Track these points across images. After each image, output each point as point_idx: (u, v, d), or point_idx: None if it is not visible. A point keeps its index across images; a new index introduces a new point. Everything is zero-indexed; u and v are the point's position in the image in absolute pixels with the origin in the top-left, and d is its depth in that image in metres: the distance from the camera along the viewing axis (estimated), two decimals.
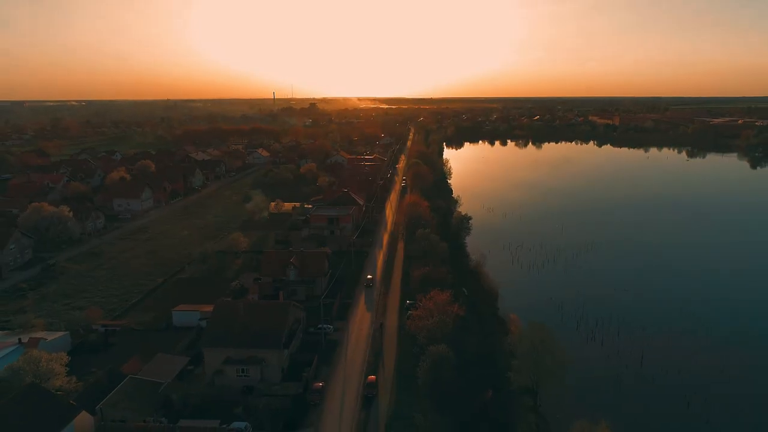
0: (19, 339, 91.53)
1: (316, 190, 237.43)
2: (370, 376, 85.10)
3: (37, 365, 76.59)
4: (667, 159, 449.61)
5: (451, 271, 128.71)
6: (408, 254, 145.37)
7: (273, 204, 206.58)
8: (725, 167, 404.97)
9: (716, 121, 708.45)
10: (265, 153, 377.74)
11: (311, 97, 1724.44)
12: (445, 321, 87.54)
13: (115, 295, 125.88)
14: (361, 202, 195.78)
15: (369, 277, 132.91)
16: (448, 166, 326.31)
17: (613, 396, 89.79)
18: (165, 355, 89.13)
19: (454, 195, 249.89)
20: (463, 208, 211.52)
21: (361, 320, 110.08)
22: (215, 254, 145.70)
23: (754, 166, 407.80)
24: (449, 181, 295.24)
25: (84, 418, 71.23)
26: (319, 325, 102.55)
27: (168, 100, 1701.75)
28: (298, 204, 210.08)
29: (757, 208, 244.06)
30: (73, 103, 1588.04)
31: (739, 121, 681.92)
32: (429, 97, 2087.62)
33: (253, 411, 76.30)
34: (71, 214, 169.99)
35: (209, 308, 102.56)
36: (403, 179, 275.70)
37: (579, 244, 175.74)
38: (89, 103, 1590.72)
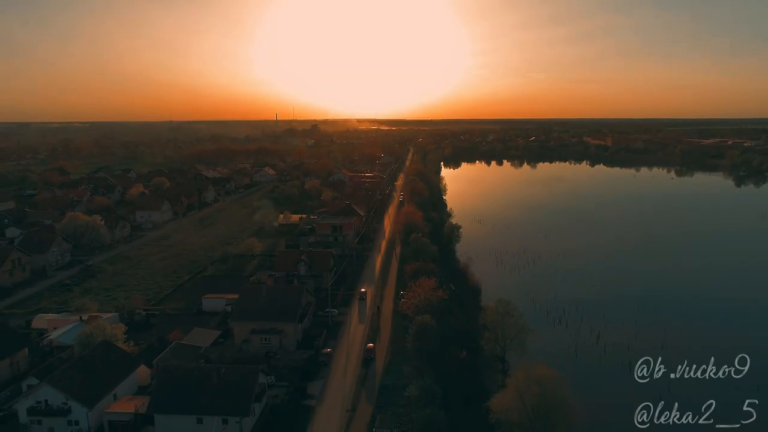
0: (80, 317, 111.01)
1: (321, 203, 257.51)
2: (368, 344, 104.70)
3: (103, 331, 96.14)
4: (653, 178, 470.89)
5: (440, 269, 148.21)
6: (403, 256, 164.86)
7: (281, 215, 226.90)
8: (705, 185, 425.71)
9: (706, 141, 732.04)
10: (271, 171, 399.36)
11: (311, 118, 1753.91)
12: (430, 299, 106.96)
13: (149, 288, 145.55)
14: (362, 213, 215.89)
15: (363, 290, 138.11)
16: (444, 183, 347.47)
17: (569, 361, 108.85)
18: (201, 329, 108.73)
19: (448, 209, 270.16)
20: (454, 220, 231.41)
21: (360, 308, 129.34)
22: (234, 256, 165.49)
23: (738, 185, 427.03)
24: (444, 198, 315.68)
25: (143, 369, 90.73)
26: (326, 309, 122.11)
27: (171, 121, 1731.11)
28: (304, 215, 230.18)
29: (710, 219, 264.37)
30: (77, 124, 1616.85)
31: (729, 142, 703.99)
32: (429, 118, 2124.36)
33: (275, 368, 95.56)
34: (102, 223, 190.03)
35: (234, 296, 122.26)
36: (401, 195, 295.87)
37: (557, 250, 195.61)
38: (92, 124, 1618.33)
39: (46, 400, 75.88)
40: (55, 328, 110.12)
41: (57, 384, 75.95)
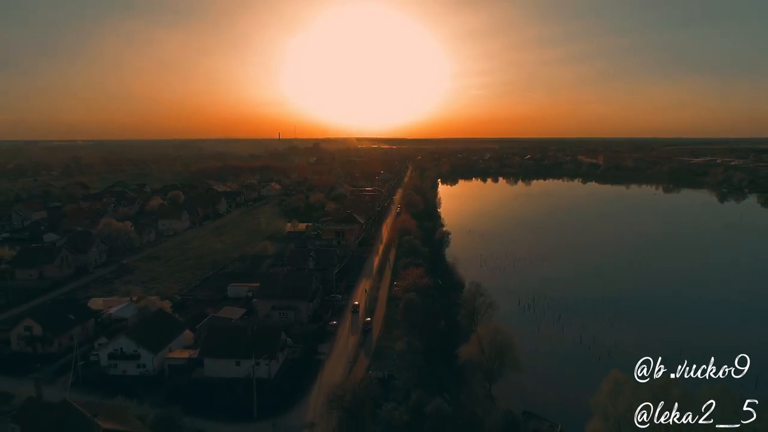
0: (131, 298, 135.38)
1: (325, 214, 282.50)
2: (367, 318, 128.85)
3: (155, 305, 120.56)
4: (640, 193, 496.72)
5: (429, 268, 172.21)
6: (397, 256, 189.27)
7: (289, 224, 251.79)
8: (688, 201, 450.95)
9: (696, 160, 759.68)
10: (276, 186, 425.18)
11: (313, 136, 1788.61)
12: (417, 283, 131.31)
13: (179, 281, 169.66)
14: (362, 222, 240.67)
15: (356, 303, 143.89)
16: (439, 198, 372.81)
17: (532, 333, 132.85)
18: (230, 307, 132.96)
19: (441, 220, 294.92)
20: (446, 230, 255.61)
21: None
22: (250, 257, 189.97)
23: (721, 201, 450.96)
24: (439, 210, 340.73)
25: (188, 333, 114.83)
26: (332, 295, 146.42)
27: (175, 139, 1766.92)
28: (310, 224, 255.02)
29: (689, 229, 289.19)
30: (81, 142, 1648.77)
31: (719, 161, 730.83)
32: (428, 136, 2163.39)
33: (292, 335, 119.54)
34: (132, 228, 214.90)
35: (254, 285, 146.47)
36: (398, 207, 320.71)
37: (534, 254, 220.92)
38: (97, 142, 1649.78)
39: (121, 348, 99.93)
40: (110, 308, 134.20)
41: (131, 335, 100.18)
